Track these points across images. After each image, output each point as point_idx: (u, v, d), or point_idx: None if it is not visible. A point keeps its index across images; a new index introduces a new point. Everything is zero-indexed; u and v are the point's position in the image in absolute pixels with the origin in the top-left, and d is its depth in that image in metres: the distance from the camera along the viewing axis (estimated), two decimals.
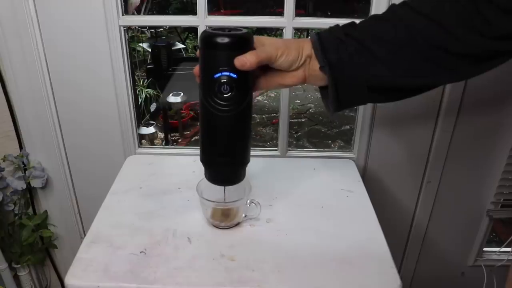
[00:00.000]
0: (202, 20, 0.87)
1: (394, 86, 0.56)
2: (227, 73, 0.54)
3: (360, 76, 0.55)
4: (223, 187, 0.68)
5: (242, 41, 0.54)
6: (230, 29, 0.55)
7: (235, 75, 0.54)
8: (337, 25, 0.58)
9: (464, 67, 0.53)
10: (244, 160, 0.62)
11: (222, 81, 0.54)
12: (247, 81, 0.57)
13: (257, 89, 0.61)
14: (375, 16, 0.56)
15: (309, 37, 0.58)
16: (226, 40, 0.53)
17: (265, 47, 0.56)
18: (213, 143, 0.60)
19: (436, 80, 0.57)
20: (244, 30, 0.55)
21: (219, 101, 0.55)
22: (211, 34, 0.54)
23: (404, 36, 0.53)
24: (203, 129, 0.60)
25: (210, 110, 0.56)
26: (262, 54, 0.54)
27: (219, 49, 0.54)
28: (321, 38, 0.56)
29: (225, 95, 0.55)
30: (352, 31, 0.55)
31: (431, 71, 0.54)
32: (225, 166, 0.62)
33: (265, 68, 0.58)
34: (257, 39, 0.56)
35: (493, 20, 0.48)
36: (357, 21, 0.58)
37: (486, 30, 0.49)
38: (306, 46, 0.57)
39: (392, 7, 0.56)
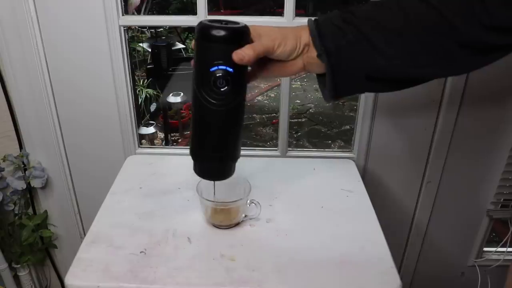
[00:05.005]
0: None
1: (392, 76, 0.55)
2: (224, 67, 0.53)
3: (358, 64, 0.54)
4: (223, 186, 0.68)
5: (241, 34, 0.53)
6: (226, 22, 0.54)
7: (231, 69, 0.53)
8: (336, 11, 0.56)
9: (462, 57, 0.52)
10: (234, 156, 0.61)
11: (218, 75, 0.53)
12: (243, 75, 0.56)
13: (256, 79, 0.60)
14: (374, 1, 0.55)
15: (307, 24, 0.56)
16: (224, 33, 0.52)
17: (261, 39, 0.54)
18: (204, 137, 0.59)
19: (434, 71, 0.56)
20: (242, 23, 0.54)
21: (214, 95, 0.54)
22: (209, 26, 0.52)
23: (402, 22, 0.51)
24: (195, 122, 0.59)
25: (203, 103, 0.55)
26: (259, 48, 0.53)
27: (217, 42, 0.52)
28: (318, 25, 0.55)
29: (221, 89, 0.53)
30: (350, 18, 0.54)
31: (429, 61, 0.53)
32: (214, 161, 0.61)
33: (264, 58, 0.56)
34: (252, 28, 0.55)
35: (492, 10, 0.47)
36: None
37: (486, 19, 0.48)
38: (304, 34, 0.56)
39: None
